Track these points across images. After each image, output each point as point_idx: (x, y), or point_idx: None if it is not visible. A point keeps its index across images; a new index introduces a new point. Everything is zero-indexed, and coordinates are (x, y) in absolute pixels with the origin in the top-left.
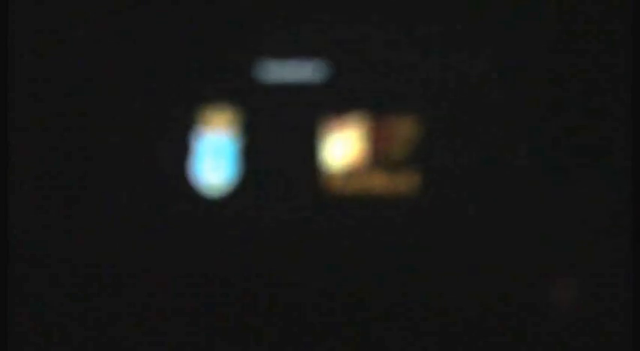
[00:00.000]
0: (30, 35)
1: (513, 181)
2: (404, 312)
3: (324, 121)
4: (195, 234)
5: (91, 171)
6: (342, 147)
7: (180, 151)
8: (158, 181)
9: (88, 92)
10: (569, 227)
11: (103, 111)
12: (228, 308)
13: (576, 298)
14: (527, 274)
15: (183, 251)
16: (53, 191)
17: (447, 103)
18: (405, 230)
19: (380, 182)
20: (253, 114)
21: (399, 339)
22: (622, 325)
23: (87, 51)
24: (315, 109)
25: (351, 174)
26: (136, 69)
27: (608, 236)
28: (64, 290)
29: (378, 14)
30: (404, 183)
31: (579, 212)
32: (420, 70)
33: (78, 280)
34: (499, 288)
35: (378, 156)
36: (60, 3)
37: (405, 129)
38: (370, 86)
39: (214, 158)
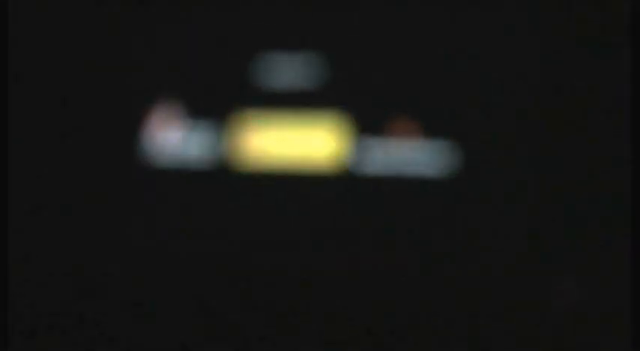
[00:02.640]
0: (29, 36)
1: (513, 181)
2: (403, 312)
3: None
4: (195, 234)
5: (92, 171)
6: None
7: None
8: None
9: (87, 92)
10: (569, 227)
11: (104, 111)
12: (229, 308)
13: (576, 298)
14: (528, 274)
15: (183, 251)
16: (53, 191)
17: (447, 104)
18: (405, 230)
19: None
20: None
21: (399, 338)
22: (622, 325)
23: (87, 52)
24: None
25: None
26: (136, 69)
27: (608, 236)
28: (64, 290)
29: (377, 13)
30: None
31: (579, 212)
32: (420, 70)
33: (78, 281)
34: (499, 288)
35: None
36: (59, 3)
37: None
38: (370, 86)
39: None
